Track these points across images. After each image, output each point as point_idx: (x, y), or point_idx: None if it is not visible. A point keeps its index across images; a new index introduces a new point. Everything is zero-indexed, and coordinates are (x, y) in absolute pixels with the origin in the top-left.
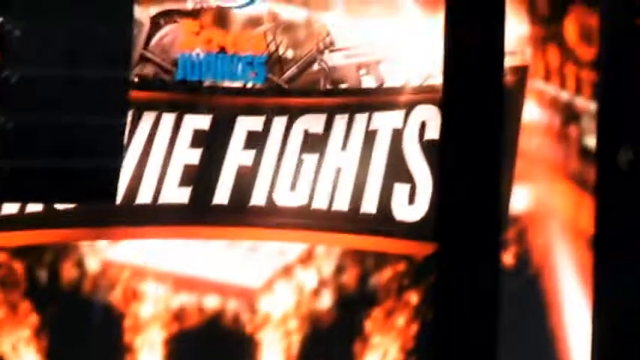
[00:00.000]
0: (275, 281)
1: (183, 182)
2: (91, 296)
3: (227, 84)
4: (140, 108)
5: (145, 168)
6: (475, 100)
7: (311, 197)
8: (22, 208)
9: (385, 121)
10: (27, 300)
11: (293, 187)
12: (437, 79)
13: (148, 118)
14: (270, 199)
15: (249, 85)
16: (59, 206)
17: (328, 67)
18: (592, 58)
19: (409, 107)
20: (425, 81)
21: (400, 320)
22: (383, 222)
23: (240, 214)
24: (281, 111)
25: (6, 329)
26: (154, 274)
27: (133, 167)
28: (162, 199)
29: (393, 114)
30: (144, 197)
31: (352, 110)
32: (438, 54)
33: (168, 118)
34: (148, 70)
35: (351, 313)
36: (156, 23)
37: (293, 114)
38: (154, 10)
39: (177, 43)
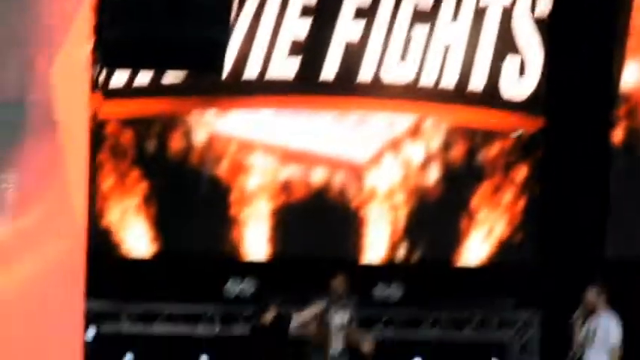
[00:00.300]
0: (382, 155)
1: (292, 54)
2: (198, 167)
3: None
4: None
5: (254, 40)
6: None
7: (419, 73)
8: (131, 79)
9: None
10: (135, 169)
11: (401, 62)
12: None
13: None
14: (377, 75)
15: None
16: (168, 77)
17: None
18: None
19: None
20: None
21: (507, 196)
22: (491, 98)
23: (348, 90)
24: None
25: (115, 198)
26: (261, 146)
27: (242, 39)
28: (271, 72)
29: None
30: (252, 69)
31: None
32: None
33: None
34: None
35: (457, 188)
36: None
37: None
38: None
39: None
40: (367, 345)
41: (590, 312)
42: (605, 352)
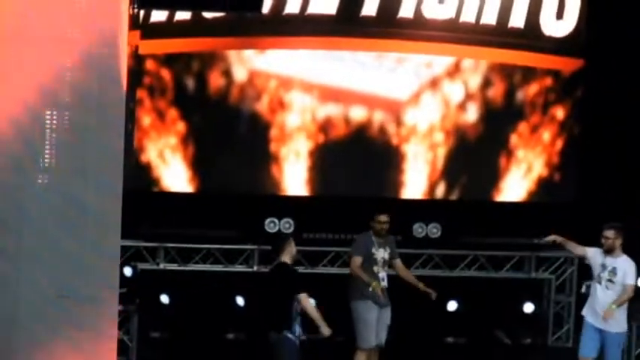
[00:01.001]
0: (422, 94)
1: None
2: (237, 105)
3: None
4: None
5: None
6: None
7: (459, 10)
8: (171, 16)
9: None
10: (174, 108)
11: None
12: None
13: None
14: (418, 12)
15: None
16: (207, 14)
17: None
18: None
19: None
20: None
21: (546, 135)
22: (531, 36)
23: (388, 26)
24: None
25: (153, 136)
26: (300, 84)
27: None
28: (312, 7)
29: None
30: (292, 7)
31: None
32: None
33: None
34: None
35: (496, 127)
36: None
37: None
38: None
39: None
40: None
41: (607, 251)
42: (620, 291)
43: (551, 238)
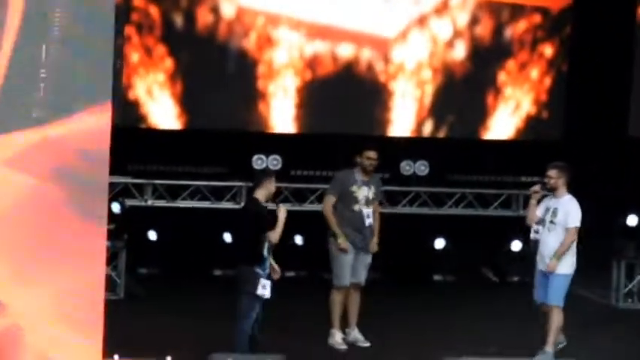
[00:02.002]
0: (409, 31)
1: None
2: (225, 42)
3: None
4: None
5: None
6: None
7: None
8: None
9: None
10: (162, 44)
11: None
12: None
13: None
14: None
15: None
16: None
17: None
18: None
19: None
20: None
21: (534, 72)
22: None
23: None
24: None
25: (141, 73)
26: (288, 21)
27: None
28: None
29: None
30: None
31: None
32: None
33: None
34: None
35: (484, 64)
36: None
37: None
38: None
39: None
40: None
41: (550, 190)
42: (562, 232)
43: (535, 189)
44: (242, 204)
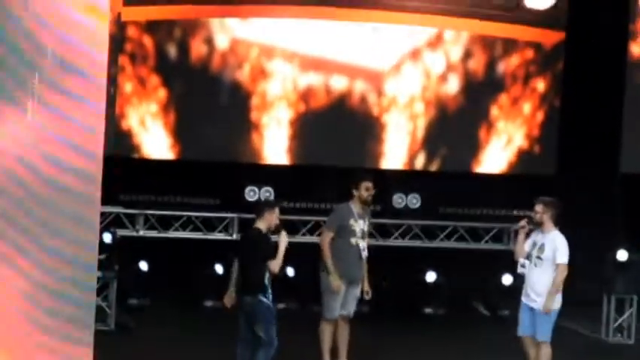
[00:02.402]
0: (403, 64)
1: None
2: (219, 73)
3: None
4: None
5: None
6: None
7: None
8: None
9: None
10: (156, 75)
11: None
12: None
13: None
14: None
15: None
16: None
17: None
18: None
19: None
20: None
21: (526, 107)
22: (513, 8)
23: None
24: None
25: (134, 103)
26: (282, 53)
27: None
28: None
29: None
30: None
31: None
32: None
33: None
34: None
35: (477, 98)
36: None
37: None
38: None
39: None
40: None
41: (537, 225)
42: (552, 270)
43: (522, 224)
44: (234, 235)
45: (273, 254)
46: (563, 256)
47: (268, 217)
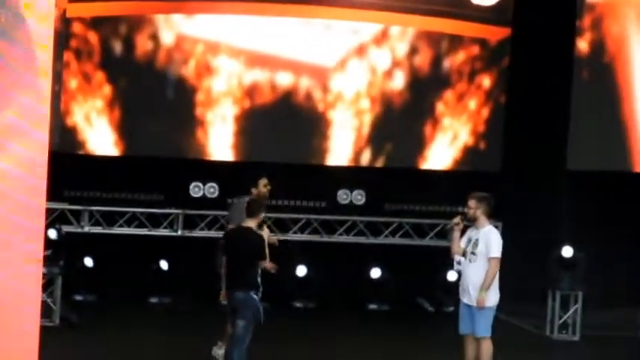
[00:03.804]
0: (348, 60)
1: None
2: (164, 69)
3: None
4: None
5: None
6: None
7: None
8: None
9: None
10: (101, 71)
11: None
12: None
13: None
14: None
15: None
16: None
17: None
18: None
19: None
20: None
21: (472, 103)
22: (458, 4)
23: None
24: None
25: (80, 99)
26: (227, 49)
27: None
28: None
29: None
30: None
31: None
32: None
33: None
34: None
35: (423, 94)
36: None
37: None
38: None
39: None
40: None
41: (470, 221)
42: (485, 263)
43: (456, 221)
44: (179, 231)
45: (265, 253)
46: (495, 250)
47: (259, 215)
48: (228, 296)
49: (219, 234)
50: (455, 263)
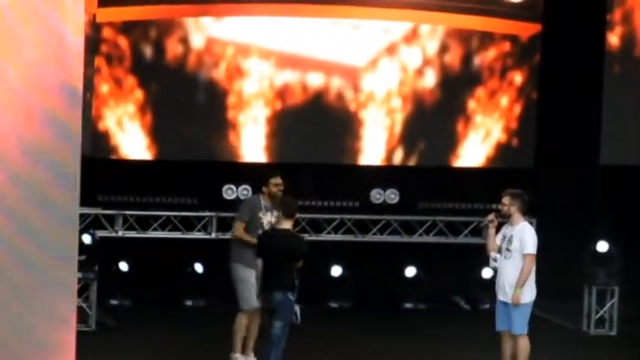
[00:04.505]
0: (379, 60)
1: None
2: (195, 73)
3: None
4: None
5: None
6: None
7: None
8: None
9: None
10: (132, 75)
11: None
12: None
13: None
14: None
15: None
16: None
17: None
18: None
19: None
20: None
21: (504, 100)
22: (488, 1)
23: None
24: None
25: (111, 104)
26: (258, 51)
27: None
28: None
29: None
30: None
31: None
32: None
33: None
34: None
35: (454, 92)
36: None
37: None
38: None
39: None
40: None
41: (505, 217)
42: (520, 260)
43: (490, 218)
44: (213, 234)
45: (304, 254)
46: (529, 247)
47: (294, 216)
48: (266, 297)
49: None
50: (491, 260)
